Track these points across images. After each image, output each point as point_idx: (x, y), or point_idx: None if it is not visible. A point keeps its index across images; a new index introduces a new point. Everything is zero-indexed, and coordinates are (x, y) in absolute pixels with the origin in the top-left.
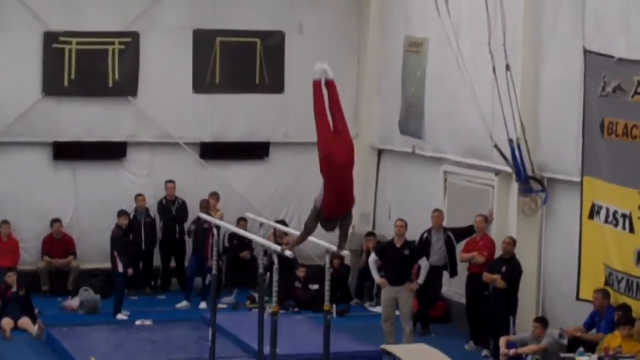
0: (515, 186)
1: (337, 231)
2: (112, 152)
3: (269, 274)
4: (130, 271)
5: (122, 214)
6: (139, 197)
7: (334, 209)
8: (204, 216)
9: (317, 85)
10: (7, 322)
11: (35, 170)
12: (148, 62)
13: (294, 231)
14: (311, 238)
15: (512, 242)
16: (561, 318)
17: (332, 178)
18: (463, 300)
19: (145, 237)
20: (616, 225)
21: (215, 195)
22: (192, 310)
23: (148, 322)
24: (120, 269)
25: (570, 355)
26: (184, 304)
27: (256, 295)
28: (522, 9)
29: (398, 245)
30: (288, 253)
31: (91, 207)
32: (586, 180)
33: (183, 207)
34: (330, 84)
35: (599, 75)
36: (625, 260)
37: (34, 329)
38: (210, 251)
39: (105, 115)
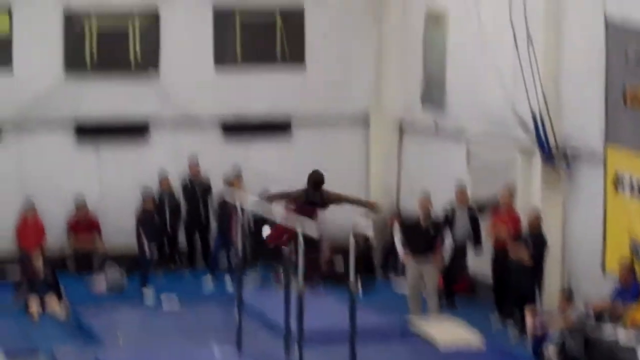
0: (538, 160)
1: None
2: (134, 131)
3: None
4: (155, 255)
5: (147, 196)
6: (163, 179)
7: None
8: (228, 197)
9: None
10: (34, 301)
11: (59, 152)
12: (169, 39)
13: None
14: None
15: (538, 217)
16: (586, 292)
17: None
18: (488, 274)
19: (170, 219)
20: None
21: (238, 177)
22: (217, 288)
23: (173, 297)
24: (146, 251)
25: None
26: (209, 281)
27: (281, 273)
28: None
29: (423, 224)
30: (315, 234)
31: (115, 187)
32: (609, 149)
33: (207, 188)
34: None
35: (620, 45)
36: None
37: (60, 309)
38: (235, 231)
39: (127, 94)
